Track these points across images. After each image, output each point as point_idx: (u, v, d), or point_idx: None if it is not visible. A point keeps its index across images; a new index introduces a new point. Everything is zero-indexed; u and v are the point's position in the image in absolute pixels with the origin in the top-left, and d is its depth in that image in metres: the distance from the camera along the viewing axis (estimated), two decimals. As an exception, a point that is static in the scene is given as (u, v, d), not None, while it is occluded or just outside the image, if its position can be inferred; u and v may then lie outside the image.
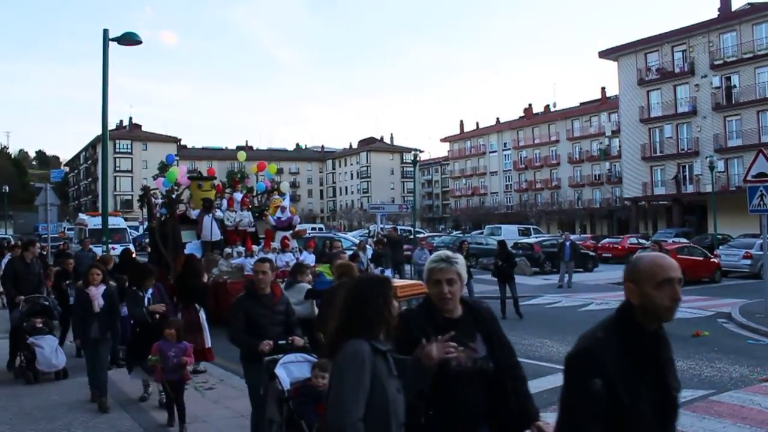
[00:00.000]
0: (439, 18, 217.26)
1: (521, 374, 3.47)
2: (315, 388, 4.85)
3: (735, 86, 48.93)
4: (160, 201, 17.47)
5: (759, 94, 47.22)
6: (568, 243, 24.03)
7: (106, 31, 13.83)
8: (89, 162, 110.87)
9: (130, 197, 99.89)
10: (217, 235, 16.26)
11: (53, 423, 7.48)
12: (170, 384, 7.11)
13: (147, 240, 33.89)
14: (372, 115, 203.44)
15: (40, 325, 9.76)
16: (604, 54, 57.84)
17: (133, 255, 25.77)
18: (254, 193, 19.62)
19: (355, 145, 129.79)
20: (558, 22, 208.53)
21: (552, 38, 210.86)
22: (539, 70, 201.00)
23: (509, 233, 39.10)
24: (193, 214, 16.40)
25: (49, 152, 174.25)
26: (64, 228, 55.86)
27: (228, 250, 15.83)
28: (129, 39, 13.81)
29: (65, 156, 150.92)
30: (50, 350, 9.53)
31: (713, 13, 51.99)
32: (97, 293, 8.05)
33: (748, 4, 50.57)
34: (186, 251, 14.87)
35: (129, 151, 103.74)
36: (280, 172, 19.32)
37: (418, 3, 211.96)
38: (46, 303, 10.25)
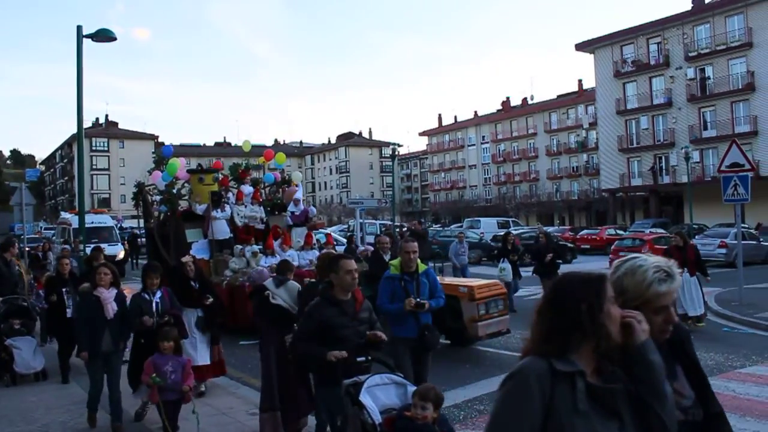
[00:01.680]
0: (416, 13, 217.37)
1: (728, 427, 2.56)
2: (414, 421, 4.02)
3: (709, 78, 49.49)
4: (158, 198, 15.97)
5: (732, 85, 47.87)
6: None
7: (79, 28, 13.66)
8: (65, 160, 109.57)
9: (107, 195, 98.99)
10: (226, 233, 14.62)
11: (31, 425, 7.40)
12: (167, 404, 6.35)
13: (127, 238, 33.24)
14: (350, 110, 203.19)
15: (18, 326, 9.60)
16: (581, 47, 58.22)
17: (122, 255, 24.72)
18: (262, 186, 17.47)
19: (333, 140, 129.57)
20: (535, 15, 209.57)
21: (529, 31, 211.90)
22: (516, 64, 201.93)
23: (488, 226, 39.35)
24: (199, 209, 14.70)
25: (24, 151, 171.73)
26: (41, 227, 55.32)
27: (238, 248, 14.05)
28: (103, 36, 13.68)
29: (41, 155, 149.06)
30: (28, 352, 9.38)
31: (687, 6, 52.60)
32: (109, 297, 6.94)
33: (721, -4, 51.19)
34: (192, 252, 13.38)
35: (106, 149, 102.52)
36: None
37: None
38: (24, 304, 10.05)
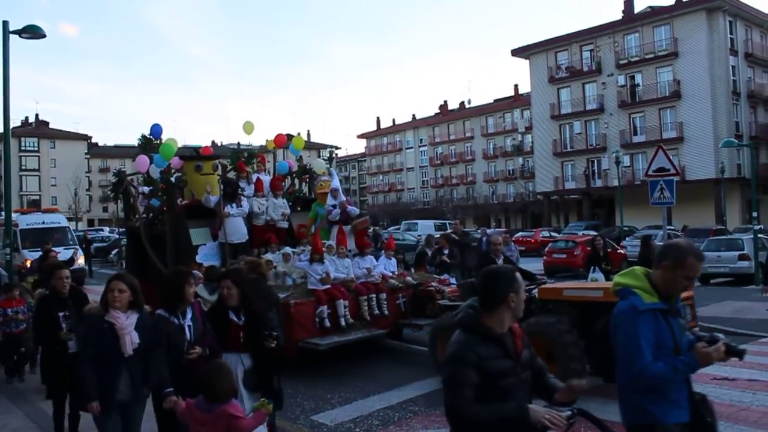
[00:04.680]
0: (354, 15, 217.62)
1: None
2: None
3: (638, 85, 51.15)
4: (145, 190, 13.54)
5: (660, 92, 49.58)
6: (484, 239, 24.43)
7: (5, 23, 13.32)
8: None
9: (37, 197, 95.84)
10: (243, 235, 11.88)
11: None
12: None
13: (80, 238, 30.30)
14: (289, 111, 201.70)
15: None
16: (517, 52, 59.30)
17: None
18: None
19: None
20: (473, 21, 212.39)
21: (467, 36, 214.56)
22: (454, 68, 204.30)
23: (426, 228, 39.57)
24: (213, 200, 11.75)
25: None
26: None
27: (268, 256, 10.96)
28: (32, 32, 13.31)
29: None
30: None
31: (618, 15, 54.34)
32: (128, 324, 4.87)
33: (649, 7, 53.15)
34: (198, 259, 10.91)
35: (36, 149, 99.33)
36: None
37: (333, 1, 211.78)
38: None
